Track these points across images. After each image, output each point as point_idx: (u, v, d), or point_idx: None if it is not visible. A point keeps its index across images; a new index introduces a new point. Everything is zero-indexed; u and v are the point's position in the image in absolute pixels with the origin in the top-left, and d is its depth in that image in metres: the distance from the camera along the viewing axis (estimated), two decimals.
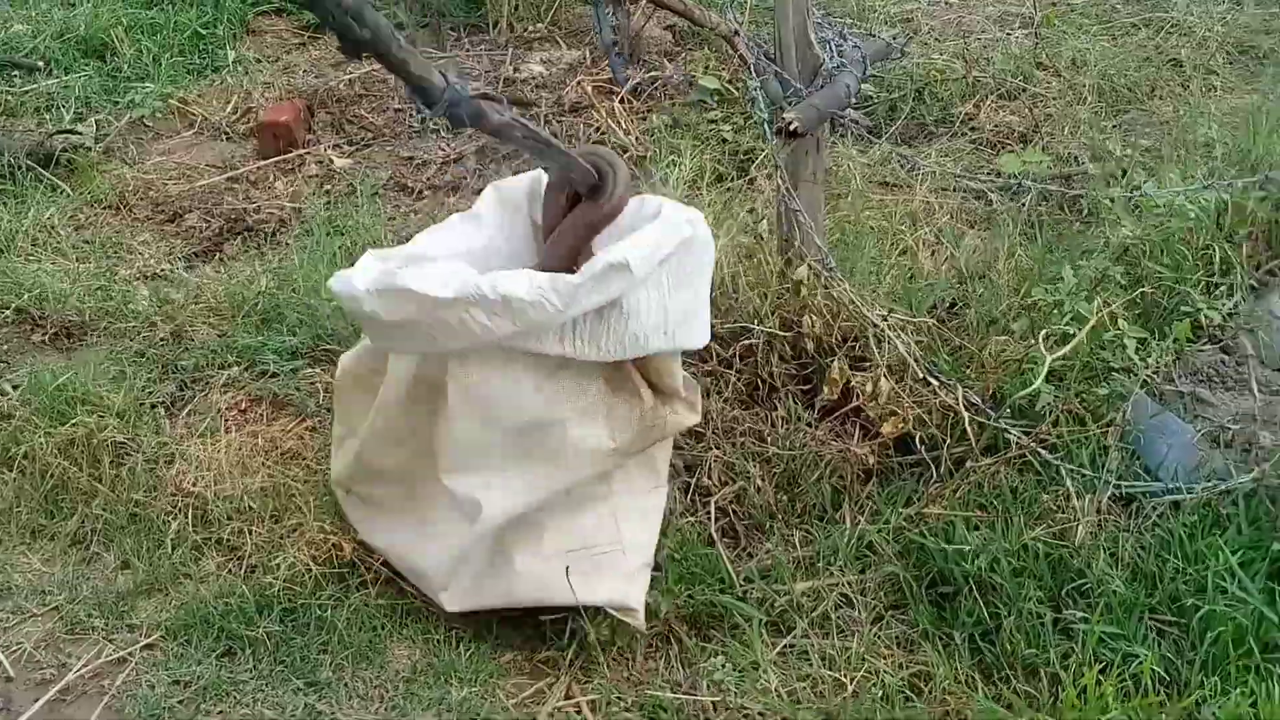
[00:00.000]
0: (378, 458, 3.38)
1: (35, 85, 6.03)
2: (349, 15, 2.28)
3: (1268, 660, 3.01)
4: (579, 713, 3.12)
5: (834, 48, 3.82)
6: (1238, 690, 2.94)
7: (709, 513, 3.56)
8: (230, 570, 3.47)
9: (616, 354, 3.08)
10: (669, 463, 3.45)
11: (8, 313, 4.41)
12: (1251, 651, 3.02)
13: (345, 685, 3.18)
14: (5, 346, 4.31)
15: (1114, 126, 5.19)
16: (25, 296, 4.46)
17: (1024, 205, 4.52)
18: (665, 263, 3.08)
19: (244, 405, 3.98)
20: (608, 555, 3.23)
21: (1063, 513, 3.35)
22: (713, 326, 3.66)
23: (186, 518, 3.58)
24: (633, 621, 3.18)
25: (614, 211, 3.19)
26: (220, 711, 3.12)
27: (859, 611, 3.33)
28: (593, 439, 3.17)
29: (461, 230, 3.38)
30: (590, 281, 2.97)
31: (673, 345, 3.19)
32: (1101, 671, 3.02)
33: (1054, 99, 5.47)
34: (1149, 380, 3.58)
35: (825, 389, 3.61)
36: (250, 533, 3.53)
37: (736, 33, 3.82)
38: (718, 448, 3.63)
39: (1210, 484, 3.35)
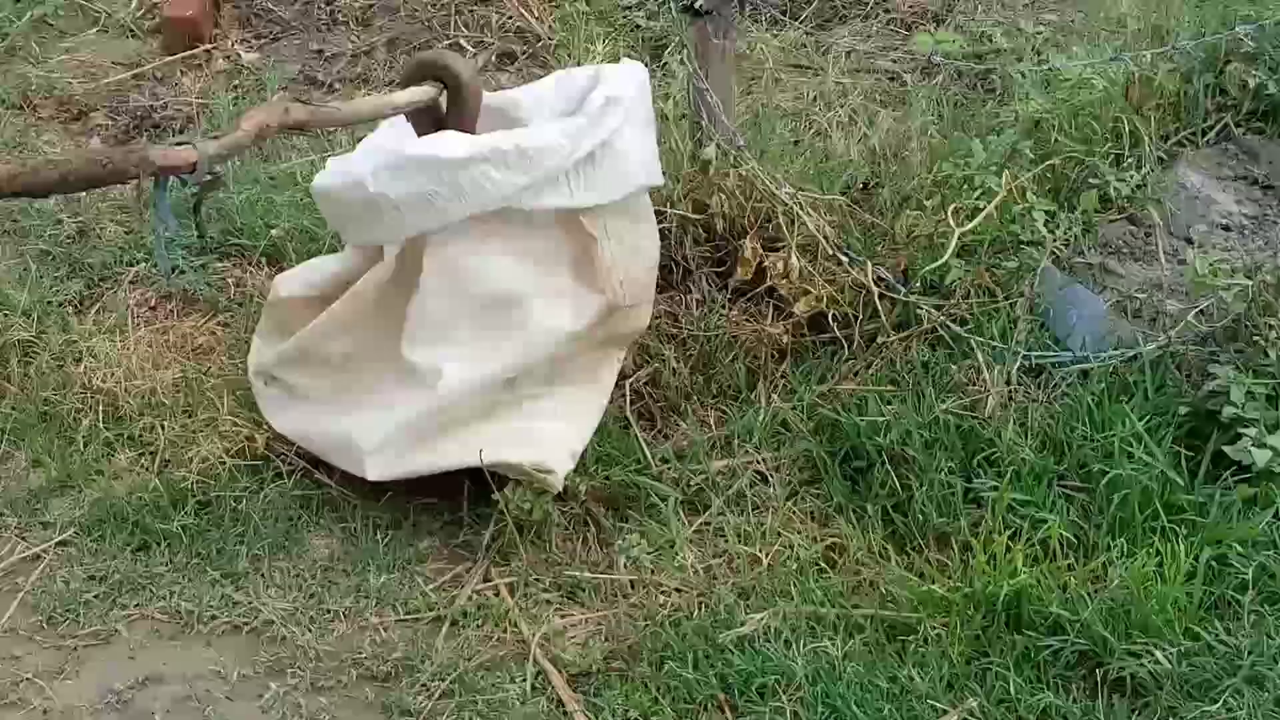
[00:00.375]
0: (323, 345, 3.39)
1: None
2: None
3: (1173, 521, 3.06)
4: (497, 595, 3.14)
5: None
6: (1143, 551, 2.99)
7: (625, 395, 3.56)
8: (143, 466, 3.45)
9: (612, 195, 3.27)
10: (613, 381, 3.47)
11: None
12: (1157, 514, 3.07)
13: (262, 575, 3.19)
14: None
15: (1026, 5, 5.17)
16: None
17: (937, 84, 4.52)
18: (637, 101, 3.31)
19: (153, 302, 3.94)
20: (541, 433, 3.26)
21: (973, 385, 3.38)
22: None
23: (97, 415, 3.55)
24: (549, 479, 3.17)
25: (474, 114, 3.32)
26: (136, 605, 3.11)
27: (774, 488, 3.36)
28: (555, 319, 3.28)
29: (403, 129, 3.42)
30: (591, 118, 3.22)
31: (649, 181, 3.40)
32: (1011, 537, 3.06)
33: None
34: (1058, 253, 3.60)
35: (738, 269, 3.61)
36: (162, 428, 3.51)
37: None
38: None
39: (1118, 352, 3.39)
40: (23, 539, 3.30)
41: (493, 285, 3.24)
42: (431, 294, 3.25)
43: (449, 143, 3.15)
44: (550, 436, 3.27)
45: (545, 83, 3.57)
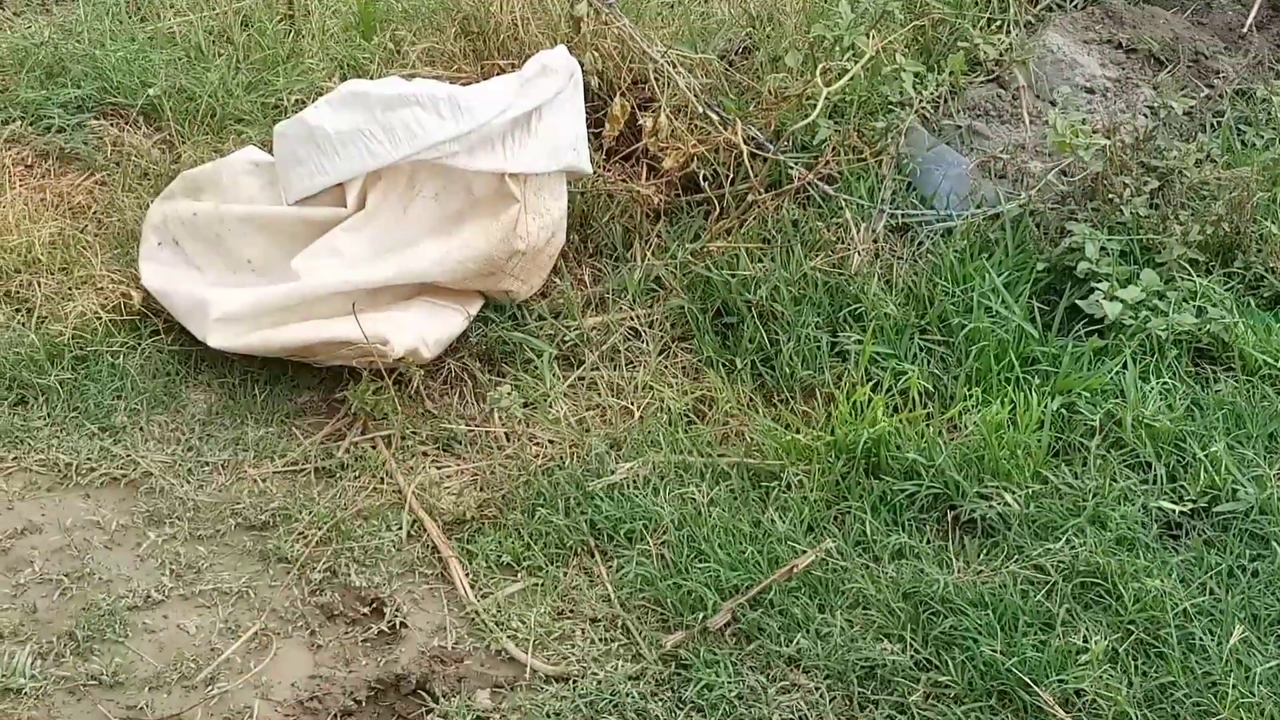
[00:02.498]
0: (239, 241, 3.44)
1: None
2: None
3: (1026, 372, 3.20)
4: (374, 447, 3.19)
5: None
6: (997, 400, 3.11)
7: None
8: (19, 322, 3.44)
9: (542, 166, 3.37)
10: (478, 306, 3.48)
11: None
12: (1012, 365, 3.20)
13: (141, 429, 3.21)
14: None
15: None
16: None
17: None
18: (564, 92, 3.41)
19: (29, 160, 3.90)
20: (390, 319, 3.30)
21: (841, 243, 3.47)
22: (503, 70, 3.70)
23: None
24: (385, 349, 3.21)
25: None
26: (14, 458, 3.13)
27: (647, 343, 3.44)
28: (439, 263, 3.34)
29: None
30: (525, 80, 3.37)
31: (578, 164, 3.47)
32: (873, 389, 3.18)
33: None
34: (926, 114, 3.68)
35: (607, 125, 3.65)
36: (39, 285, 3.50)
37: None
38: None
39: (980, 210, 3.49)
40: None
41: (397, 228, 3.35)
42: (343, 228, 3.34)
43: (386, 82, 3.36)
44: (398, 322, 3.30)
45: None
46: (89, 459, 3.12)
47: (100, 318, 3.41)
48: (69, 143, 3.93)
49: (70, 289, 3.50)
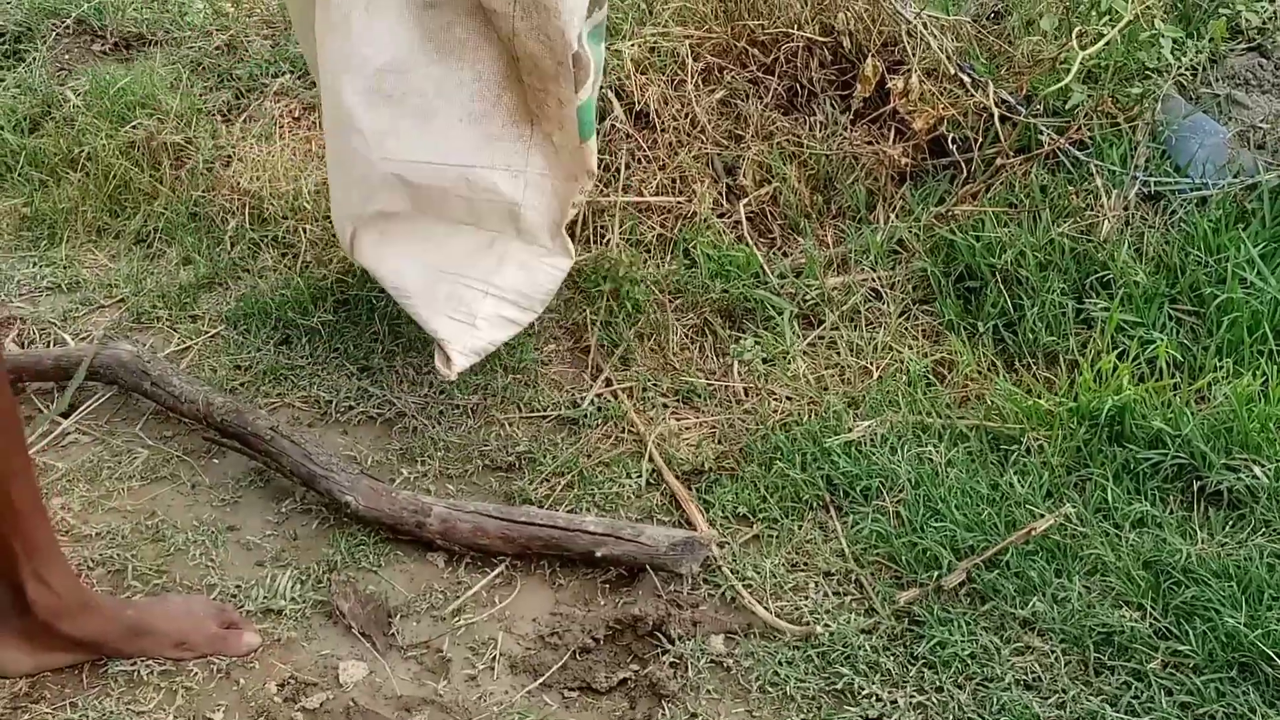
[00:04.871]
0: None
1: None
2: None
3: None
4: (616, 398, 3.27)
5: None
6: (1249, 373, 3.04)
7: (742, 213, 3.65)
8: (286, 265, 3.63)
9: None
10: (569, 241, 3.15)
11: (69, 23, 4.53)
12: (1266, 337, 3.12)
13: (395, 371, 3.35)
14: (67, 55, 4.45)
15: None
16: (85, 7, 4.58)
17: None
18: None
19: (297, 113, 4.09)
20: (473, 291, 3.05)
21: (1090, 209, 3.42)
22: (753, 31, 3.73)
23: (244, 216, 3.74)
24: (441, 368, 3.00)
25: None
26: (279, 393, 3.30)
27: (888, 305, 3.45)
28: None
29: None
30: None
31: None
32: (1119, 357, 3.13)
33: None
34: (1184, 81, 3.60)
35: (858, 86, 3.66)
36: (304, 231, 3.68)
37: None
38: (755, 149, 3.71)
39: (1237, 180, 3.40)
40: (174, 330, 3.50)
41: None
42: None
43: None
44: (482, 309, 3.06)
45: None
46: (348, 397, 3.27)
47: None
48: None
49: (333, 235, 3.65)
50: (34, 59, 4.42)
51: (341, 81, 2.80)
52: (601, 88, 3.45)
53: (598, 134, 3.20)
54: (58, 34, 4.51)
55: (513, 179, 2.93)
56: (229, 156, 3.90)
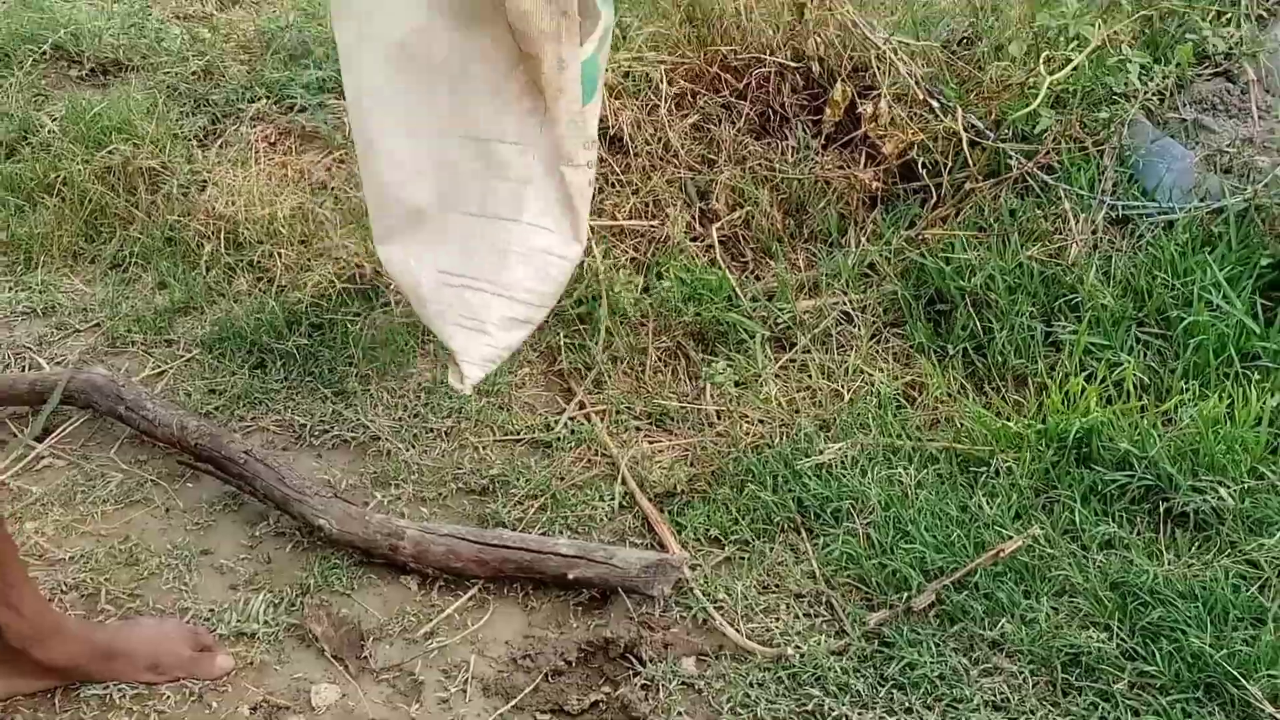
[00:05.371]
0: None
1: None
2: None
3: (1246, 368, 3.14)
4: (589, 420, 3.29)
5: None
6: (1215, 394, 3.07)
7: (714, 237, 3.68)
8: (261, 289, 3.64)
9: None
10: (587, 223, 2.94)
11: (46, 49, 4.56)
12: (1232, 360, 3.15)
13: (370, 394, 3.36)
14: (44, 81, 4.48)
15: None
16: (62, 33, 4.60)
17: None
18: None
19: (273, 137, 4.12)
20: (480, 294, 2.82)
21: (1059, 233, 3.46)
22: (725, 57, 3.76)
23: (219, 241, 3.75)
24: (454, 383, 2.78)
25: None
26: (253, 417, 3.31)
27: (859, 328, 3.48)
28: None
29: None
30: None
31: None
32: (1087, 379, 3.16)
33: None
34: (1151, 106, 3.64)
35: (828, 110, 3.69)
36: (279, 255, 3.70)
37: None
38: (728, 174, 3.74)
39: (1204, 204, 3.43)
40: (149, 354, 3.51)
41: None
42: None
43: None
44: (491, 312, 2.81)
45: None
46: (322, 421, 3.28)
47: (335, 287, 3.59)
48: (310, 121, 4.12)
49: (308, 259, 3.68)
50: (11, 84, 4.43)
51: (364, 59, 2.67)
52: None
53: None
54: (35, 59, 4.52)
55: (521, 154, 2.74)
56: (204, 181, 3.92)
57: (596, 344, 3.42)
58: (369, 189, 2.82)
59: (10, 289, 3.74)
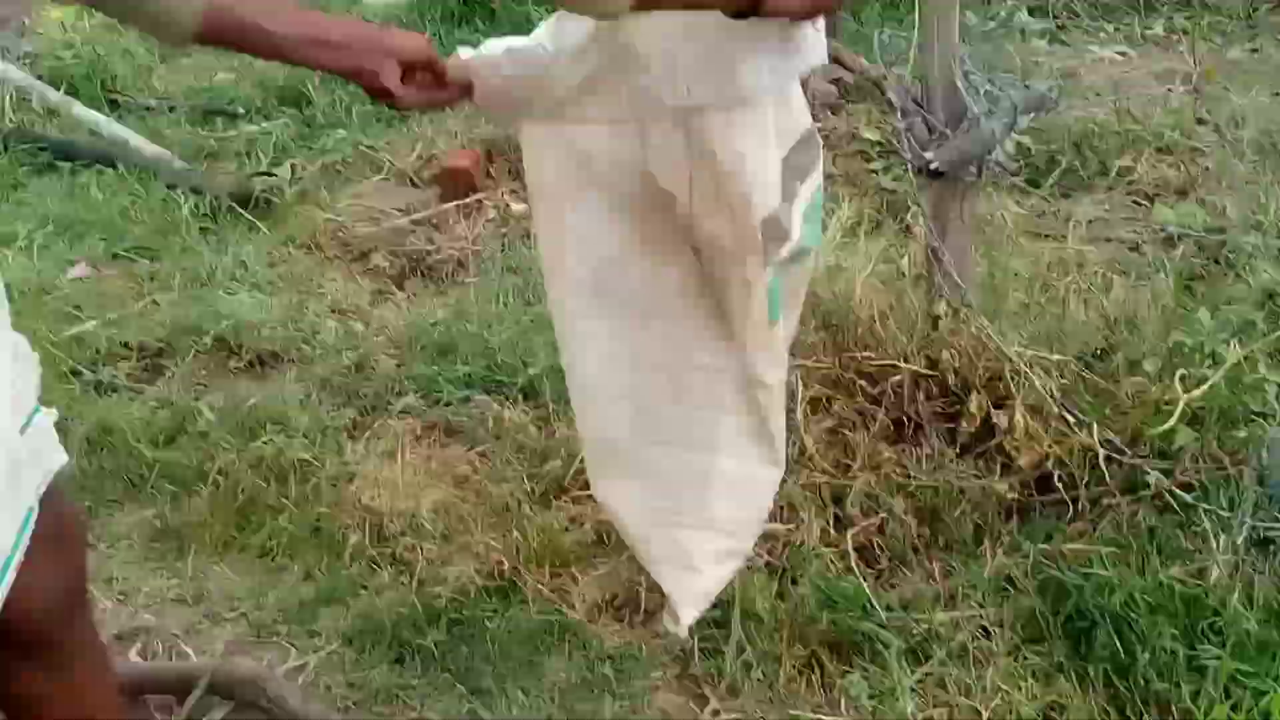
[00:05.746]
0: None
1: (236, 131, 6.50)
2: None
3: None
4: None
5: (985, 95, 3.95)
6: None
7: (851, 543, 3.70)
8: (402, 583, 3.71)
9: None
10: (784, 440, 2.90)
11: (208, 340, 4.78)
12: None
13: (505, 694, 3.38)
14: (204, 371, 4.69)
15: (1270, 182, 5.21)
16: (224, 325, 4.83)
17: (1177, 255, 4.60)
18: None
19: (419, 431, 4.26)
20: (686, 530, 2.79)
21: (1199, 552, 3.43)
22: (859, 363, 3.85)
23: (364, 533, 3.85)
24: (669, 625, 2.83)
25: None
26: (390, 714, 3.35)
27: (996, 643, 3.44)
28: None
29: None
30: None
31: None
32: (1232, 707, 3.10)
33: (1212, 154, 5.52)
34: None
35: (963, 422, 3.75)
36: (421, 549, 3.78)
37: (884, 77, 3.99)
38: (863, 479, 3.78)
39: None
40: (293, 645, 3.57)
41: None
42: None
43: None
44: (701, 549, 2.87)
45: None
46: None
47: (475, 583, 3.65)
48: (455, 416, 4.26)
49: (449, 553, 3.76)
50: (172, 374, 4.65)
51: (564, 296, 2.73)
52: None
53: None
54: (196, 351, 4.75)
55: (712, 381, 2.73)
56: (352, 474, 4.04)
57: (730, 649, 3.42)
58: (580, 425, 2.89)
59: (164, 576, 3.85)
